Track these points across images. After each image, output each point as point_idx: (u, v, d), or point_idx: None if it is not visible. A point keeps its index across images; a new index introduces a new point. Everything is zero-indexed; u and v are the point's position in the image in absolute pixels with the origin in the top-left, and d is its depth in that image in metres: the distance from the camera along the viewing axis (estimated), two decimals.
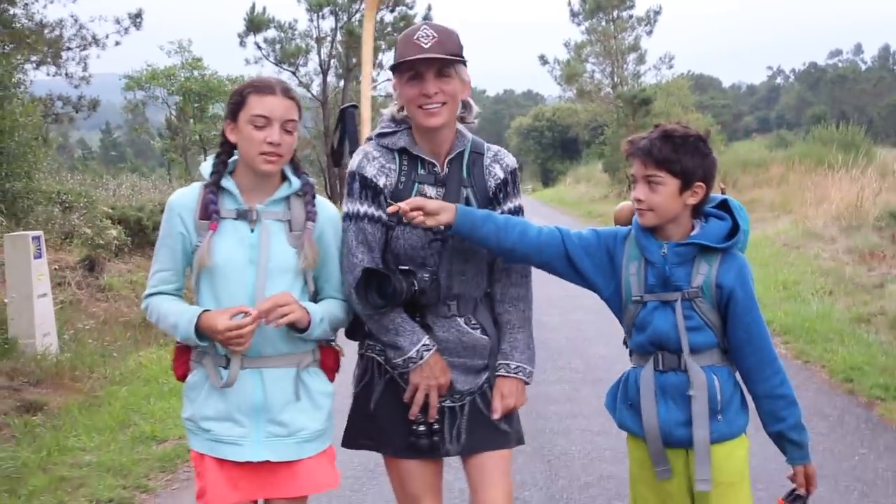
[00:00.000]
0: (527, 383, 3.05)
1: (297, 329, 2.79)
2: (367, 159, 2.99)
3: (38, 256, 8.32)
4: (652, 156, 2.72)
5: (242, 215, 2.83)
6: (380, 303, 2.83)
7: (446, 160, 3.02)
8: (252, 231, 2.83)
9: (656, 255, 2.78)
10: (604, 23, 39.00)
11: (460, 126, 3.07)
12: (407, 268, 2.92)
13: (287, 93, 2.84)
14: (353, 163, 3.05)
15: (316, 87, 33.35)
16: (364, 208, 2.95)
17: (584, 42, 40.05)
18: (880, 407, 6.17)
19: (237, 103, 2.81)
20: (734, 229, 2.79)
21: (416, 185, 2.98)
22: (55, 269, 10.25)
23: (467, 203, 2.99)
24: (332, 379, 3.02)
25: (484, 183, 3.04)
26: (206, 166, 2.90)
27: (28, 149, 11.90)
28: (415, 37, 2.88)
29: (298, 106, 2.89)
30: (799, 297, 10.27)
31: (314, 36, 32.59)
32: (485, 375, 3.04)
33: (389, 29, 32.51)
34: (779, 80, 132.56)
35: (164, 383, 7.44)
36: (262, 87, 2.79)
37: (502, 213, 3.02)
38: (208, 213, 2.80)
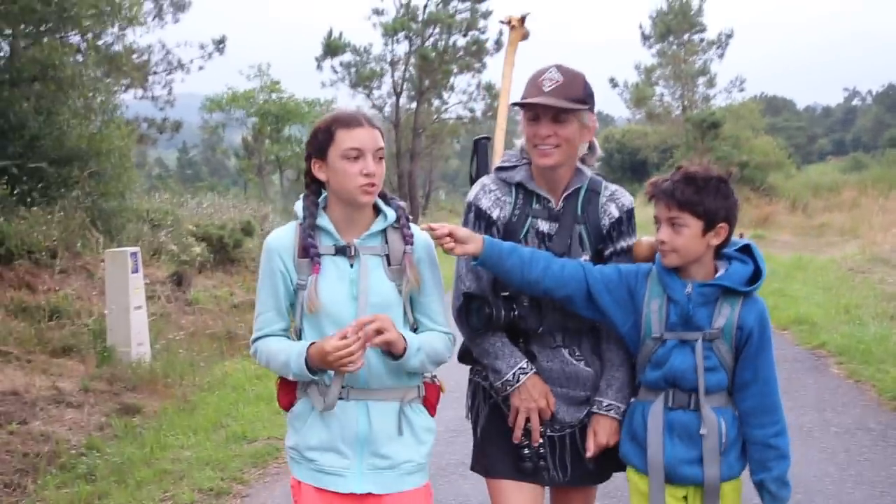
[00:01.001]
0: (620, 421, 3.03)
1: (392, 356, 2.76)
2: (483, 191, 3.08)
3: (135, 271, 8.96)
4: (675, 198, 2.78)
5: (341, 251, 2.82)
6: (478, 326, 2.93)
7: (562, 196, 3.05)
8: (351, 266, 2.82)
9: (680, 293, 2.83)
10: (674, 46, 39.12)
11: (580, 165, 3.09)
12: (508, 293, 2.97)
13: (371, 122, 2.83)
14: (470, 193, 3.15)
15: (388, 109, 34.05)
16: None
17: (655, 65, 40.22)
18: None
19: (325, 140, 2.79)
20: (756, 274, 2.84)
21: (530, 219, 3.04)
22: (146, 283, 10.94)
23: (580, 239, 3.03)
24: (433, 414, 3.01)
25: (598, 221, 3.07)
26: (300, 206, 2.89)
27: (122, 170, 12.70)
28: (540, 78, 2.94)
29: (382, 134, 2.89)
30: (859, 321, 10.44)
31: (388, 60, 33.35)
32: (586, 409, 3.07)
33: (461, 53, 33.12)
34: (855, 101, 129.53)
35: (250, 390, 7.99)
36: (349, 121, 2.79)
37: (615, 250, 3.08)
38: (308, 254, 2.80)
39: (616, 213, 3.07)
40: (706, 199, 2.76)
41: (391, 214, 2.87)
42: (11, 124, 11.24)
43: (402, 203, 2.97)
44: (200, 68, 26.04)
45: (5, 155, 10.94)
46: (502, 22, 3.97)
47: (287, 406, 2.94)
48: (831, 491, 4.85)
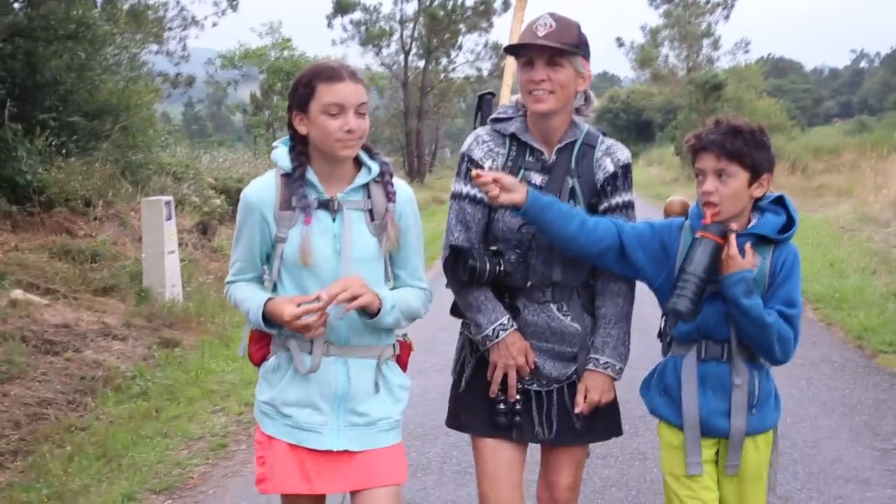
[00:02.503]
0: (615, 379, 3.04)
1: (367, 315, 2.75)
2: (476, 142, 3.06)
3: (169, 218, 9.68)
4: (725, 149, 2.72)
5: (324, 205, 2.77)
6: (464, 278, 2.90)
7: (555, 149, 3.01)
8: (334, 220, 2.77)
9: None
10: (680, 8, 39.50)
11: (576, 117, 3.06)
12: (496, 248, 2.97)
13: (354, 76, 2.74)
14: (464, 144, 3.12)
15: (397, 68, 34.59)
16: (466, 189, 3.02)
17: (660, 26, 40.63)
18: (881, 358, 7.28)
19: (306, 94, 2.69)
20: (788, 224, 2.82)
21: (522, 170, 3.00)
22: None
23: (572, 194, 2.99)
24: (404, 371, 3.02)
25: (592, 175, 3.02)
26: (282, 156, 2.79)
27: (149, 124, 13.40)
28: (534, 25, 2.91)
29: (366, 87, 2.80)
30: (841, 274, 11.15)
31: (398, 18, 33.88)
32: (574, 366, 3.05)
33: (470, 13, 33.58)
34: (863, 63, 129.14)
35: None
36: (331, 75, 2.69)
37: (609, 206, 3.03)
38: (296, 206, 2.74)
39: (611, 168, 3.02)
40: (754, 150, 2.74)
41: (375, 168, 2.83)
42: (46, 80, 11.86)
43: (386, 159, 2.94)
44: (214, 25, 26.53)
45: (42, 108, 11.59)
46: None
47: (259, 361, 2.91)
48: (790, 406, 5.57)
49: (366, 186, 2.82)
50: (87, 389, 6.77)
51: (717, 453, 2.88)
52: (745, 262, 2.69)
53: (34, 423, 6.05)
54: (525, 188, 2.82)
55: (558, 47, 2.84)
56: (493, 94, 3.46)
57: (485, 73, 36.16)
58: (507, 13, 33.70)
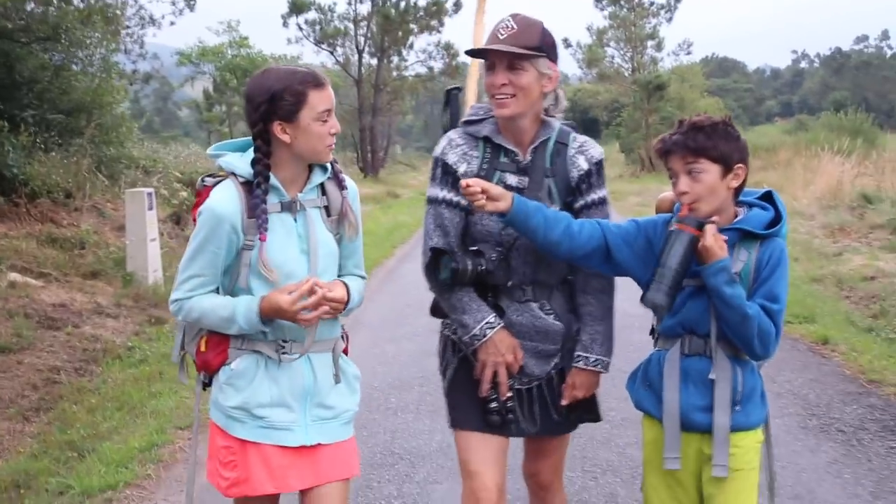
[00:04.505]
0: (603, 373, 3.06)
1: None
2: (450, 146, 3.02)
3: (150, 208, 10.45)
4: (688, 147, 2.70)
5: (287, 207, 2.77)
6: (446, 281, 2.89)
7: (529, 149, 2.99)
8: (295, 220, 2.78)
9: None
10: (625, 10, 40.71)
11: (546, 117, 3.03)
12: (476, 248, 2.95)
13: (327, 80, 2.78)
14: (437, 148, 3.08)
15: (352, 68, 35.37)
16: (443, 193, 2.99)
17: (606, 28, 41.81)
18: (788, 328, 8.20)
19: (296, 103, 2.66)
20: (776, 220, 2.78)
21: (498, 172, 2.98)
22: None
23: (549, 193, 2.97)
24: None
25: (566, 173, 3.00)
26: (239, 164, 2.74)
27: (121, 121, 14.11)
28: (497, 28, 2.88)
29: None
30: None
31: (351, 18, 34.66)
32: (554, 361, 3.06)
33: (422, 14, 34.48)
34: (803, 64, 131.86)
35: None
36: (319, 82, 2.70)
37: (584, 203, 3.01)
38: (257, 215, 2.69)
39: (585, 166, 3.00)
40: (718, 142, 2.70)
41: (328, 167, 2.85)
42: (24, 79, 12.54)
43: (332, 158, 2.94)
44: (172, 24, 27.04)
45: (20, 106, 12.26)
46: None
47: (218, 366, 2.83)
48: None
49: (321, 185, 2.86)
50: (90, 359, 7.58)
51: (699, 454, 2.82)
52: (721, 251, 2.68)
53: (49, 386, 6.85)
54: (511, 196, 2.80)
55: (517, 51, 2.82)
56: (459, 90, 3.41)
57: (436, 72, 37.10)
58: (458, 14, 34.74)
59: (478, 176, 2.93)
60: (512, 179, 2.98)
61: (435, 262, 2.92)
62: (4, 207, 10.85)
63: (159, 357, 7.49)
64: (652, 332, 2.98)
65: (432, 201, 3.01)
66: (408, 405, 5.95)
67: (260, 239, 2.69)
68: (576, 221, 2.89)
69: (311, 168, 2.83)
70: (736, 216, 2.80)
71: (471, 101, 3.49)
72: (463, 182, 2.76)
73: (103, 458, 4.99)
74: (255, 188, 2.69)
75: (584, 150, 3.03)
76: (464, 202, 2.93)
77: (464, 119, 3.11)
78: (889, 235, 13.40)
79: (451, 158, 3.00)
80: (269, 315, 2.69)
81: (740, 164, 2.72)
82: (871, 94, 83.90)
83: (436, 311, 3.16)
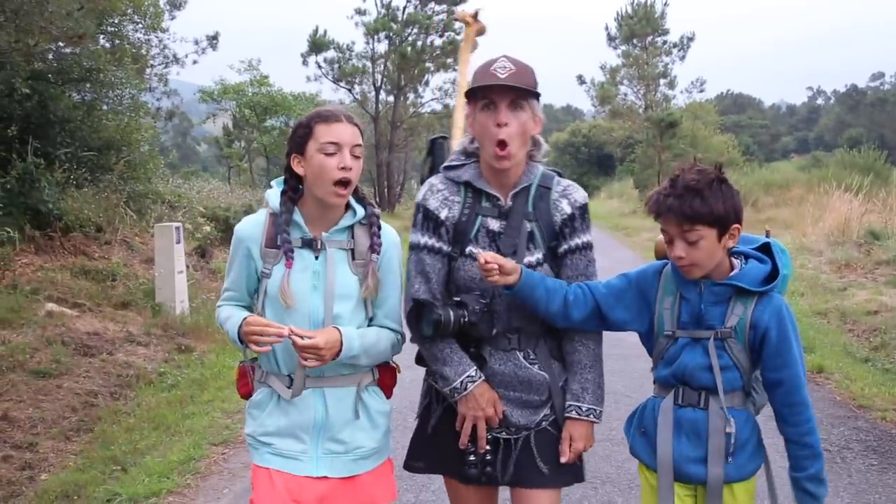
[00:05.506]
0: (596, 423, 3.00)
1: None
2: (431, 192, 3.00)
3: (178, 242, 10.94)
4: (684, 214, 2.64)
5: (307, 244, 2.85)
6: (428, 332, 2.84)
7: (511, 193, 2.96)
8: (316, 258, 2.85)
9: (693, 292, 2.75)
10: (637, 49, 41.28)
11: (529, 161, 3.01)
12: (459, 300, 2.88)
13: (351, 119, 2.84)
14: (419, 194, 3.06)
15: (369, 104, 36.04)
16: (424, 240, 2.95)
17: (619, 66, 42.40)
18: None
19: (304, 135, 2.80)
20: (774, 272, 2.74)
21: (479, 217, 2.95)
22: None
23: (531, 238, 2.94)
24: (388, 396, 3.07)
25: (550, 217, 2.96)
26: (274, 196, 2.89)
27: (149, 158, 14.67)
28: (492, 67, 2.83)
29: (361, 132, 2.88)
30: None
31: (369, 57, 35.40)
32: (542, 412, 3.00)
33: (438, 52, 35.15)
34: (819, 100, 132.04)
35: None
36: (328, 116, 2.80)
37: (568, 248, 2.97)
38: (280, 247, 2.83)
39: (568, 210, 2.97)
40: (715, 206, 2.64)
41: (360, 211, 2.90)
42: (58, 118, 13.09)
43: (377, 210, 3.01)
44: (195, 62, 27.75)
45: (54, 144, 12.81)
46: (456, 20, 4.23)
47: (246, 395, 3.01)
48: None
49: (350, 227, 2.90)
50: (124, 384, 8.03)
51: (694, 502, 2.83)
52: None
53: (87, 409, 7.30)
54: (519, 269, 2.80)
55: (524, 88, 2.82)
56: (445, 138, 3.46)
57: (451, 108, 37.66)
58: (472, 53, 35.27)
59: (459, 221, 2.95)
60: (494, 224, 2.96)
61: (417, 313, 2.88)
62: (40, 241, 11.33)
63: (189, 382, 7.94)
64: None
65: (414, 247, 2.98)
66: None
67: (286, 266, 2.81)
68: (570, 290, 2.88)
69: (347, 208, 2.91)
70: (732, 268, 2.76)
71: (455, 149, 3.36)
72: (480, 258, 2.75)
73: (146, 469, 5.45)
74: (278, 218, 2.86)
75: (568, 195, 3.00)
76: (446, 248, 2.95)
77: (444, 164, 3.09)
78: (894, 271, 13.70)
79: (433, 204, 2.97)
80: (243, 335, 2.77)
81: (736, 225, 2.69)
82: (888, 131, 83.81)
83: (420, 358, 3.12)
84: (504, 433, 2.98)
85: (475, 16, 3.93)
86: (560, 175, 3.09)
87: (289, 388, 2.85)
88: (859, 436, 6.12)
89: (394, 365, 3.07)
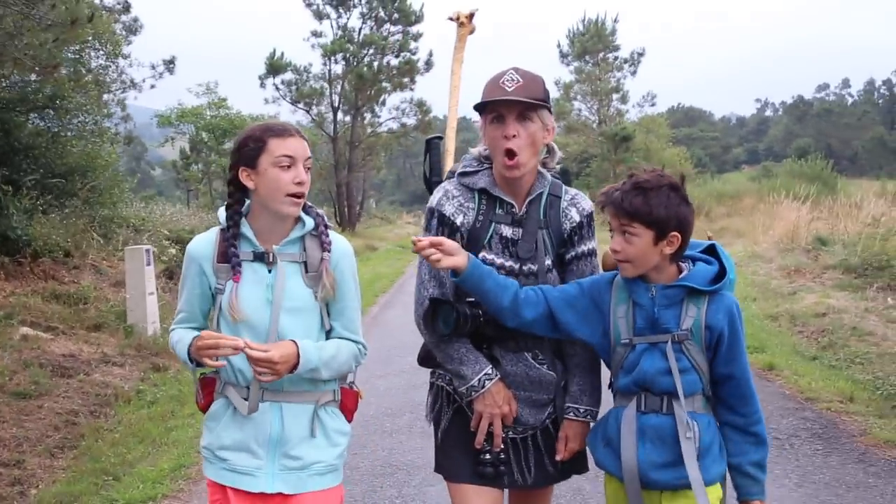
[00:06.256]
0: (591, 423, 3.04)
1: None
2: (446, 197, 3.02)
3: (149, 264, 11.15)
4: (623, 208, 2.68)
5: (259, 257, 2.84)
6: (446, 330, 2.87)
7: (525, 201, 3.01)
8: (269, 272, 2.83)
9: (644, 297, 2.76)
10: (590, 65, 42.04)
11: (541, 169, 3.05)
12: (473, 299, 2.90)
13: (300, 133, 2.85)
14: (432, 199, 3.07)
15: (327, 125, 36.35)
16: None
17: (572, 82, 43.11)
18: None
19: (256, 149, 2.77)
20: (721, 272, 2.76)
21: (493, 224, 2.98)
22: None
23: (543, 244, 2.99)
24: (349, 419, 3.03)
25: (559, 225, 3.02)
26: (222, 213, 2.89)
27: (114, 182, 14.87)
28: (501, 80, 2.88)
29: (309, 145, 2.90)
30: None
31: (327, 78, 35.74)
32: (548, 410, 3.05)
33: (395, 72, 35.61)
34: (768, 112, 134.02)
35: None
36: (280, 131, 2.79)
37: (575, 255, 3.04)
38: (229, 261, 2.82)
39: (577, 218, 3.03)
40: (656, 208, 2.67)
41: (309, 222, 2.89)
42: (23, 145, 13.28)
43: (320, 211, 2.98)
44: (152, 87, 27.76)
45: (19, 171, 12.98)
46: (450, 19, 3.82)
47: (206, 407, 2.97)
48: None
49: (301, 239, 2.89)
50: (102, 403, 8.24)
51: None
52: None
53: (69, 427, 7.51)
54: (466, 254, 2.80)
55: (530, 101, 2.86)
56: (440, 138, 3.44)
57: (409, 127, 38.14)
58: (429, 72, 35.84)
59: (473, 227, 2.98)
60: (507, 231, 2.99)
61: (433, 312, 2.91)
62: (10, 267, 11.48)
63: (168, 399, 8.18)
64: (610, 385, 2.96)
65: None
66: (401, 428, 6.68)
67: (234, 280, 2.81)
68: (522, 290, 2.88)
69: (296, 222, 2.88)
70: (680, 272, 2.79)
71: (450, 149, 3.52)
72: (413, 239, 2.75)
73: (139, 477, 5.71)
74: (226, 232, 2.84)
75: (576, 203, 3.06)
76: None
77: (459, 171, 3.10)
78: (840, 275, 14.19)
79: (448, 210, 3.00)
80: (193, 353, 2.76)
81: (675, 233, 2.69)
82: (834, 141, 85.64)
83: (425, 361, 3.16)
84: (511, 432, 3.03)
85: (471, 17, 3.85)
86: (567, 183, 3.16)
87: (246, 399, 2.82)
88: (806, 424, 6.57)
89: (356, 389, 3.04)
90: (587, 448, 3.02)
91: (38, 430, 7.27)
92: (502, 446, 2.98)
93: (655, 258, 2.71)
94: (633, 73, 42.60)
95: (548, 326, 2.89)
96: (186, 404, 7.93)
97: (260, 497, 2.82)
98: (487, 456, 2.96)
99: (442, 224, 2.99)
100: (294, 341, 2.77)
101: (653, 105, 45.87)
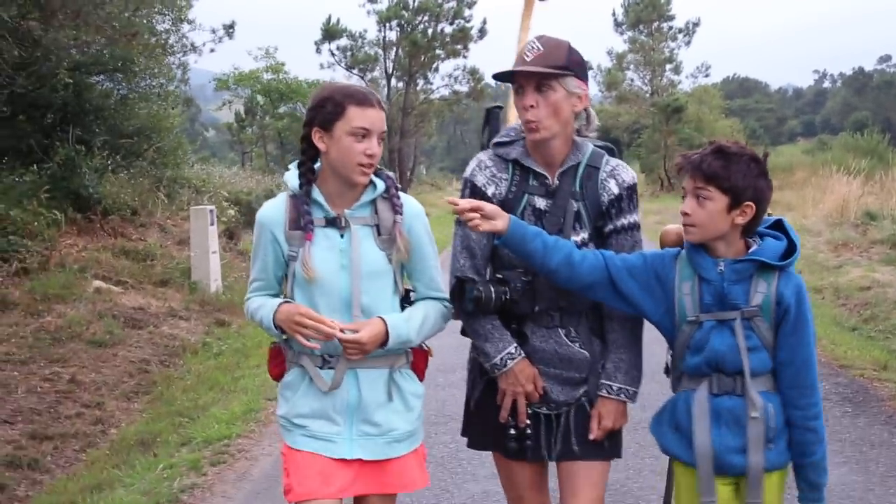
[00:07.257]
0: (629, 402, 2.98)
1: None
2: (479, 168, 2.99)
3: (212, 224, 11.71)
4: (701, 170, 2.62)
5: (331, 222, 2.81)
6: (469, 309, 2.84)
7: (558, 172, 2.94)
8: (342, 237, 2.80)
9: (713, 272, 2.67)
10: (644, 35, 41.89)
11: (578, 138, 2.98)
12: (501, 276, 2.89)
13: (380, 104, 2.79)
14: (467, 169, 3.04)
15: (380, 91, 36.72)
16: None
17: (626, 52, 43.01)
18: None
19: (334, 113, 2.72)
20: (790, 248, 2.67)
21: (526, 195, 2.94)
22: None
23: (577, 217, 2.92)
24: (421, 379, 3.01)
25: (597, 197, 2.93)
26: (292, 177, 2.85)
27: (178, 144, 15.42)
28: (523, 51, 2.86)
29: (386, 116, 2.84)
30: None
31: (381, 44, 36.07)
32: (582, 389, 2.98)
33: (448, 40, 35.80)
34: (826, 83, 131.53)
35: None
36: (362, 99, 2.73)
37: (614, 228, 2.95)
38: (301, 225, 2.79)
39: (616, 190, 2.94)
40: (734, 174, 2.60)
41: (380, 185, 2.85)
42: (93, 106, 13.82)
43: (390, 174, 2.95)
44: (212, 51, 28.27)
45: (90, 132, 13.54)
46: None
47: (278, 376, 2.97)
48: None
49: (373, 203, 2.85)
50: (171, 353, 8.83)
51: (736, 494, 2.73)
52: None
53: (142, 375, 8.07)
54: (507, 216, 2.75)
55: (543, 71, 2.80)
56: (500, 108, 3.38)
57: (461, 95, 38.42)
58: (483, 39, 35.99)
59: (506, 199, 2.93)
60: (540, 202, 2.93)
61: (460, 289, 2.88)
62: (82, 223, 12.07)
63: (233, 351, 8.71)
64: (666, 370, 2.92)
65: (460, 222, 2.91)
66: (453, 383, 7.07)
67: (306, 238, 2.77)
68: (578, 252, 2.80)
69: (366, 185, 2.83)
70: (748, 247, 2.68)
71: (511, 120, 3.35)
72: (449, 200, 2.74)
73: (213, 418, 6.22)
74: (298, 197, 2.82)
75: (616, 175, 2.96)
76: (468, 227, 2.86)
77: (495, 140, 3.06)
78: (888, 250, 14.28)
79: (480, 180, 2.96)
80: (282, 320, 2.75)
81: (750, 203, 2.61)
82: (893, 114, 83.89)
83: (463, 331, 3.10)
84: (545, 409, 2.97)
85: None
86: (612, 153, 3.06)
87: (320, 367, 2.82)
88: (838, 389, 6.88)
89: (427, 348, 3.02)
90: (652, 434, 2.92)
91: (115, 376, 7.84)
92: (527, 422, 2.95)
93: (724, 226, 2.64)
94: (688, 43, 42.48)
95: (610, 293, 2.81)
96: (251, 357, 8.43)
97: (339, 463, 2.82)
98: (512, 431, 2.95)
99: (474, 194, 2.94)
100: (382, 318, 2.78)
101: (707, 76, 45.75)
